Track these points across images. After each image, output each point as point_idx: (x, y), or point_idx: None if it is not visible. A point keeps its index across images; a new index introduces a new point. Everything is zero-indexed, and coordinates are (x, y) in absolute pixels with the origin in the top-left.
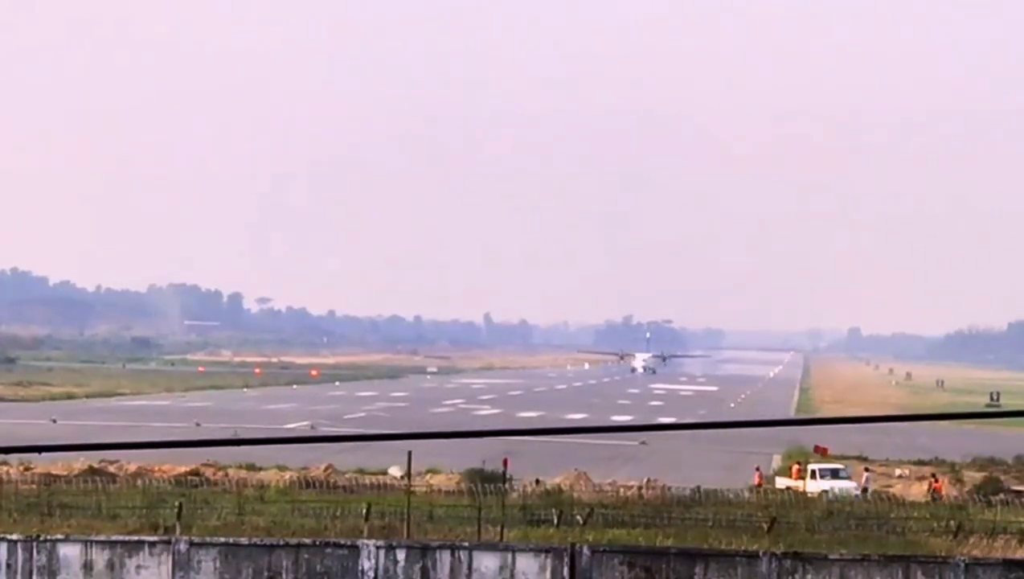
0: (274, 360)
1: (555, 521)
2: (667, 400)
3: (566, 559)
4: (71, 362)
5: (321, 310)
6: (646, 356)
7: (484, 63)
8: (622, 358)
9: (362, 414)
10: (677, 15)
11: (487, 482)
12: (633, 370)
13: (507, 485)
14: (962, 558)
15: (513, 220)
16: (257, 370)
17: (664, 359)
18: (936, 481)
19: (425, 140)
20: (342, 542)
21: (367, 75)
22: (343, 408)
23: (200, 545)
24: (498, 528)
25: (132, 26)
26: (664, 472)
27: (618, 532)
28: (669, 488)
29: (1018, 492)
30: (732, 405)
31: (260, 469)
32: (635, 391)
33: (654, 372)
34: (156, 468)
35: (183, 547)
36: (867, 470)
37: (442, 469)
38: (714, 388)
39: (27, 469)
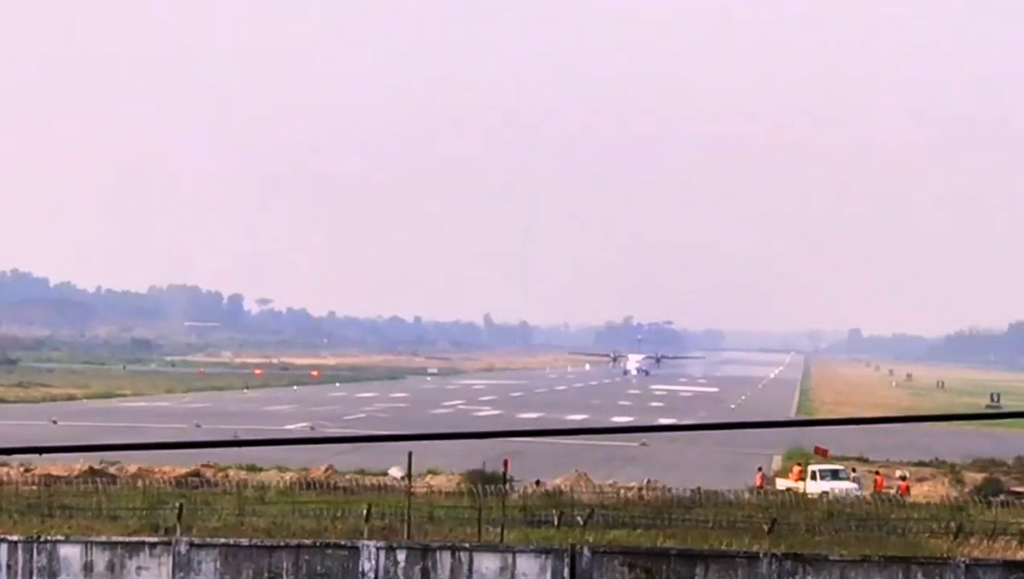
0: (274, 361)
1: (555, 522)
2: (667, 401)
3: (566, 560)
4: (71, 363)
5: (321, 311)
6: (639, 357)
7: (484, 63)
8: (615, 360)
9: (362, 415)
10: (677, 14)
11: (487, 483)
12: (626, 372)
13: (507, 486)
14: (962, 559)
15: (513, 221)
16: (257, 371)
17: (658, 361)
18: (903, 479)
19: (426, 141)
20: (342, 543)
21: (367, 76)
22: (343, 409)
23: (200, 546)
24: (498, 529)
25: (133, 26)
26: (664, 473)
27: (618, 533)
28: (669, 489)
29: (1018, 493)
30: (732, 406)
31: (260, 470)
32: (635, 392)
33: (647, 373)
34: (156, 469)
35: (183, 548)
36: (853, 470)
37: (442, 470)
38: (714, 389)
39: (27, 470)
